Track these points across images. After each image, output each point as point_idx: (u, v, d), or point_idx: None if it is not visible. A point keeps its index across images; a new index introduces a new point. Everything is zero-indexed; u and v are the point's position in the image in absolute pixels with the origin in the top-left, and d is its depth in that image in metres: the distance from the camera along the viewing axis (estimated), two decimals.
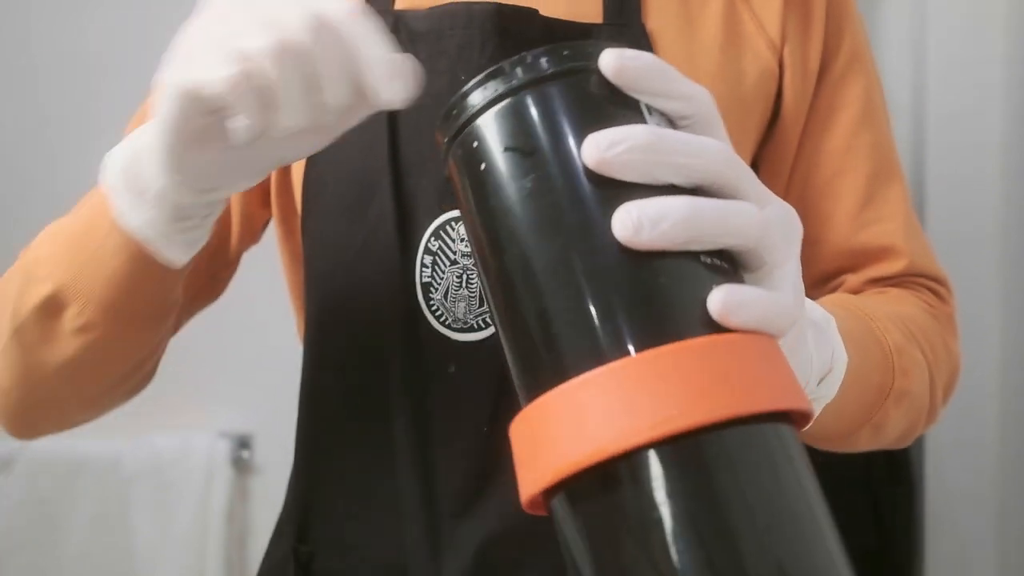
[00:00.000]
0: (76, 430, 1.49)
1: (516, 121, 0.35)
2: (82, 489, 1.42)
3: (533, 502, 0.34)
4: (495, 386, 0.60)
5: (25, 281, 0.58)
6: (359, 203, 0.63)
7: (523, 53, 0.36)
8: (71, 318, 0.56)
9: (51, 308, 0.56)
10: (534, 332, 0.33)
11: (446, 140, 0.38)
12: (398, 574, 0.62)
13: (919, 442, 1.25)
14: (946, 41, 1.23)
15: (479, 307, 0.60)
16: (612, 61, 0.35)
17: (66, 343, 0.57)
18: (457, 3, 0.62)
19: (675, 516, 0.29)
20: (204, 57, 0.43)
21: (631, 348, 0.31)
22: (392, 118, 0.62)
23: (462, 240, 0.60)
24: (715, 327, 0.32)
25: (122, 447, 1.43)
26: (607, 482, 0.30)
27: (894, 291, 0.67)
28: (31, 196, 1.22)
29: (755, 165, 0.68)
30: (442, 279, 0.60)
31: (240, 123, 0.44)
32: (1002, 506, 1.23)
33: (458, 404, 0.61)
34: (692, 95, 0.37)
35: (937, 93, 1.23)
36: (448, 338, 0.60)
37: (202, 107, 0.44)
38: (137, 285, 0.55)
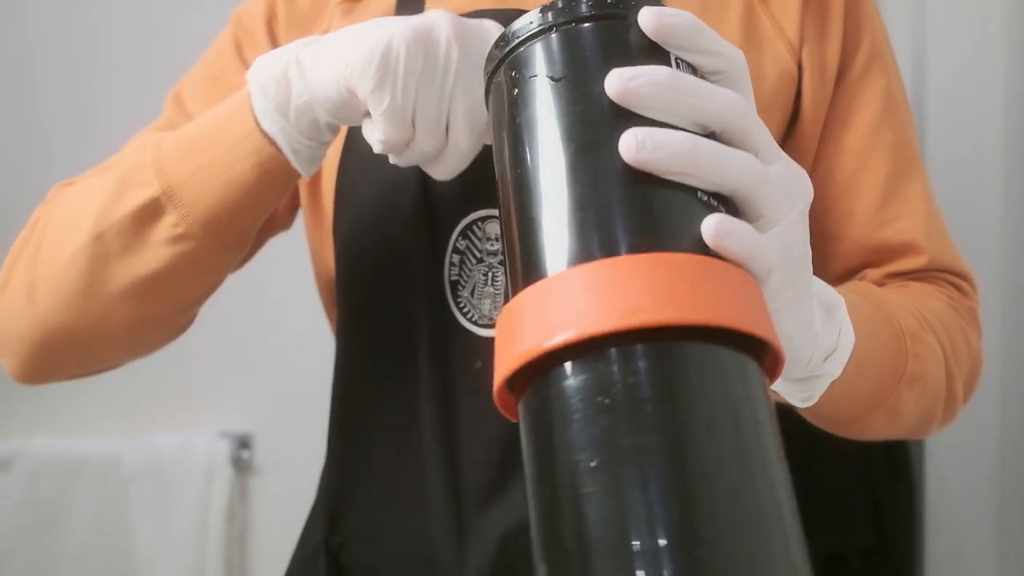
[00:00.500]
0: (76, 430, 1.49)
1: (549, 52, 0.38)
2: (82, 489, 1.42)
3: (501, 396, 0.34)
4: None
5: (121, 186, 0.58)
6: (388, 203, 0.65)
7: None
8: (168, 226, 0.57)
9: (149, 213, 0.57)
10: (531, 234, 0.35)
11: (487, 75, 0.41)
12: (425, 564, 0.63)
13: (919, 439, 1.25)
14: (946, 42, 1.23)
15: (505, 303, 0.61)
16: (651, 20, 0.37)
17: (152, 254, 0.58)
18: (484, 11, 0.64)
19: (622, 407, 0.29)
20: (397, 96, 0.50)
21: (616, 251, 0.32)
22: None
23: (488, 239, 0.62)
24: (701, 251, 0.33)
25: (122, 447, 1.43)
26: (569, 371, 0.31)
27: (915, 285, 0.67)
28: (30, 196, 1.22)
29: None
30: (469, 277, 0.62)
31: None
32: (1002, 504, 1.23)
33: (483, 398, 0.62)
34: (724, 52, 0.38)
35: (937, 93, 1.23)
36: (475, 334, 0.62)
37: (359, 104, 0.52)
38: (252, 196, 0.57)
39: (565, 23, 0.38)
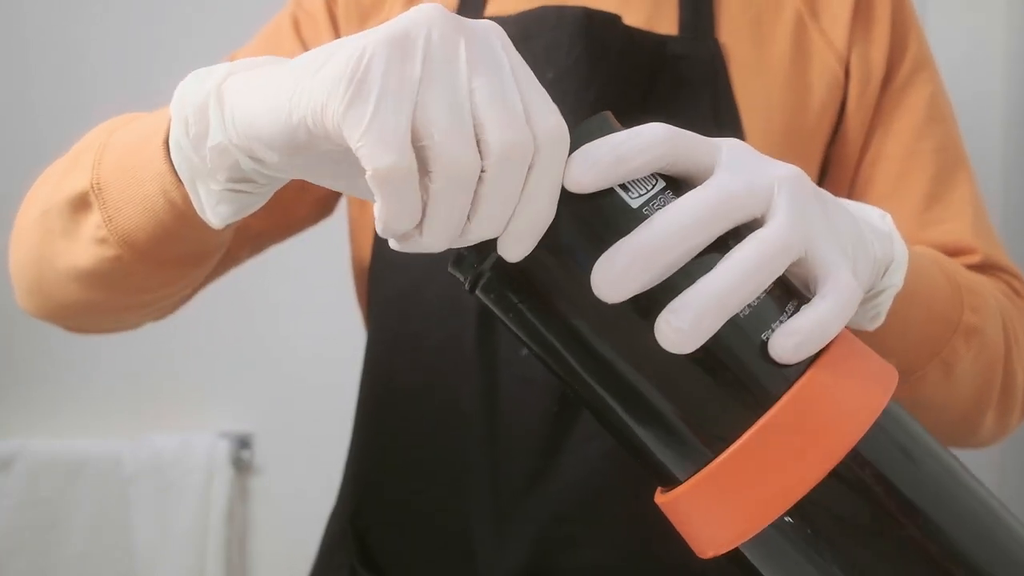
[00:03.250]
0: (76, 430, 1.49)
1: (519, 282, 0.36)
2: (82, 489, 1.42)
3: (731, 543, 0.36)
4: None
5: (70, 165, 0.54)
6: None
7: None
8: (93, 225, 0.51)
9: (79, 204, 0.52)
10: (657, 431, 0.35)
11: (468, 282, 0.38)
12: (462, 548, 0.65)
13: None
14: (946, 42, 1.23)
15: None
16: (575, 178, 0.34)
17: (83, 249, 0.53)
18: (546, 7, 0.65)
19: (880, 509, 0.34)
20: (383, 110, 0.33)
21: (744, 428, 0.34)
22: None
23: None
24: (795, 373, 0.34)
25: (122, 447, 1.43)
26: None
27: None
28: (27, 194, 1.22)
29: (823, 169, 0.70)
30: None
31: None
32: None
33: (528, 385, 0.64)
34: (651, 142, 0.36)
35: None
36: None
37: (336, 147, 0.36)
38: (166, 226, 0.49)
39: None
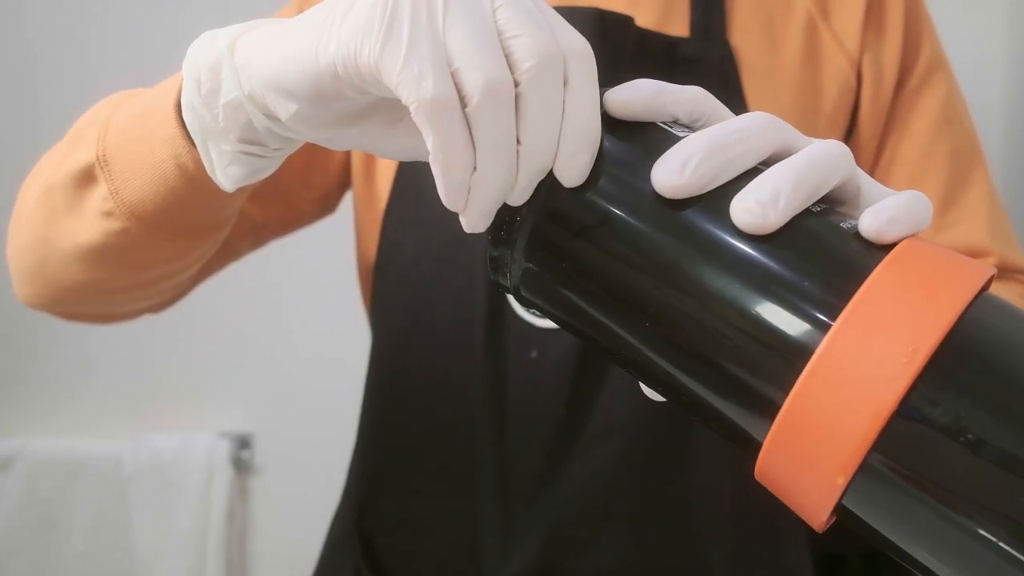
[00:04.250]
0: (76, 430, 1.49)
1: (572, 207, 0.34)
2: (82, 489, 1.42)
3: (834, 491, 0.29)
4: (574, 371, 0.63)
5: (74, 140, 0.53)
6: None
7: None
8: (99, 198, 0.51)
9: (84, 178, 0.51)
10: (741, 353, 0.31)
11: (505, 271, 0.36)
12: (468, 552, 0.65)
13: None
14: (947, 42, 1.23)
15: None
16: (618, 100, 0.34)
17: (88, 224, 0.52)
18: (559, 7, 0.65)
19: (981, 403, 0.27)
20: (416, 41, 0.33)
21: (841, 304, 0.29)
22: None
23: None
24: (878, 250, 0.31)
25: (122, 447, 1.43)
26: (912, 419, 0.27)
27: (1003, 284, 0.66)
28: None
29: None
30: None
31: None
32: None
33: (537, 388, 0.64)
34: (693, 95, 0.36)
35: None
36: (531, 324, 0.64)
37: (363, 95, 0.36)
38: (177, 193, 0.48)
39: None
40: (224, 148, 0.44)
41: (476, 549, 0.64)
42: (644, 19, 0.67)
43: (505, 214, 0.35)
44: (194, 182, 0.47)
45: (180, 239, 0.53)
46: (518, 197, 0.34)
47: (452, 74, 0.33)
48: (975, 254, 0.66)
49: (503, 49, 0.33)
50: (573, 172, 0.33)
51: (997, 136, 1.23)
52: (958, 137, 0.69)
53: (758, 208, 0.30)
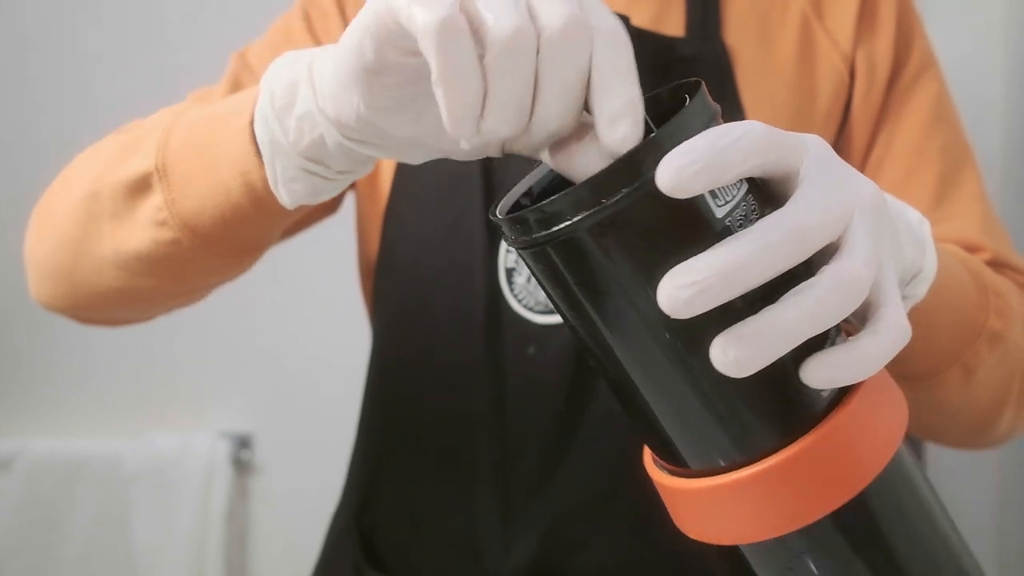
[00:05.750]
0: (76, 430, 1.49)
1: (580, 262, 0.33)
2: (82, 489, 1.42)
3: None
4: (572, 367, 0.64)
5: (129, 148, 0.54)
6: (449, 190, 0.67)
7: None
8: (154, 207, 0.51)
9: (140, 186, 0.52)
10: (686, 429, 0.36)
11: (521, 241, 0.35)
12: (468, 547, 0.65)
13: (918, 441, 1.25)
14: (947, 42, 1.23)
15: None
16: (667, 177, 0.31)
17: (138, 232, 0.52)
18: None
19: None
20: None
21: (778, 441, 0.34)
22: None
23: None
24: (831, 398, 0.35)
25: (122, 447, 1.43)
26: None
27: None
28: (27, 195, 1.21)
29: None
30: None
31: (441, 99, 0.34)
32: (1002, 506, 1.23)
33: (535, 383, 0.65)
34: (754, 146, 0.33)
35: None
36: (529, 320, 0.65)
37: (399, 44, 0.36)
38: (238, 209, 0.49)
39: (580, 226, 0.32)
40: (290, 163, 0.45)
41: (476, 544, 0.65)
42: (639, 18, 0.68)
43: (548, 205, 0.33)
44: (256, 199, 0.48)
45: (226, 256, 0.54)
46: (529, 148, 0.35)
47: (473, 32, 0.33)
48: (969, 249, 0.66)
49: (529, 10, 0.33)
50: (616, 133, 0.33)
51: (997, 136, 1.23)
52: (949, 135, 0.69)
53: (732, 365, 0.32)
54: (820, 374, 0.33)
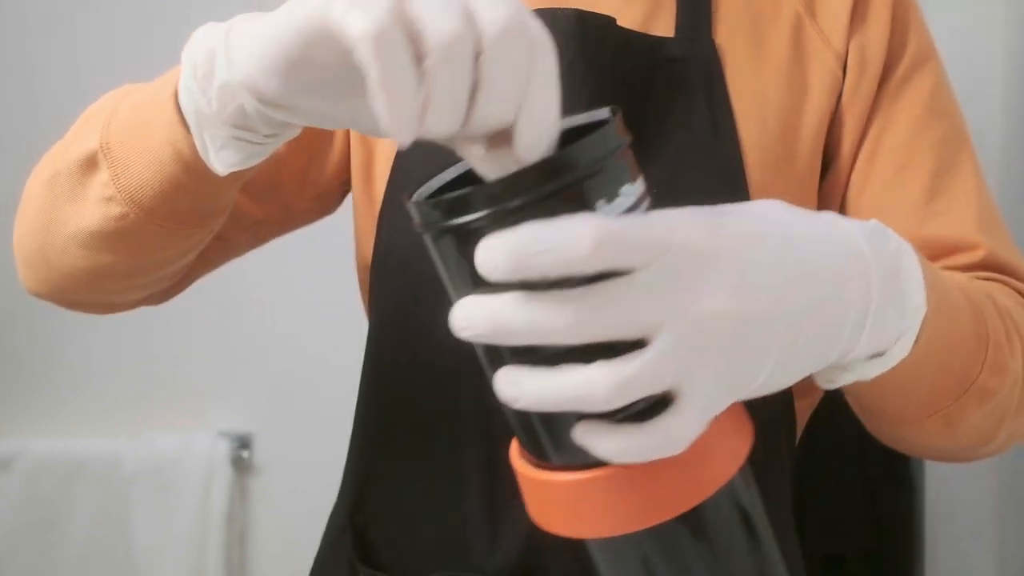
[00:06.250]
0: (76, 430, 1.49)
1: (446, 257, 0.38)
2: (82, 489, 1.42)
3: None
4: None
5: (81, 130, 0.56)
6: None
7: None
8: (101, 184, 0.53)
9: (88, 165, 0.54)
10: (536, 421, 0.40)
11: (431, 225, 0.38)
12: (457, 545, 0.65)
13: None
14: (946, 42, 1.23)
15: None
16: (479, 259, 0.34)
17: (90, 209, 0.54)
18: (541, 9, 0.65)
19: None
20: None
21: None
22: None
23: None
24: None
25: (122, 447, 1.43)
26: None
27: (984, 283, 0.63)
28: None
29: (825, 166, 0.69)
30: None
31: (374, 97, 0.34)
32: (1002, 506, 1.23)
33: None
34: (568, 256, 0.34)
35: None
36: None
37: (330, 55, 0.37)
38: (173, 178, 0.51)
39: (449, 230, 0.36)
40: (217, 132, 0.46)
41: (465, 542, 0.65)
42: (630, 19, 0.67)
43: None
44: (189, 168, 0.50)
45: (176, 226, 0.55)
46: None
47: (413, 35, 0.33)
48: (962, 246, 0.65)
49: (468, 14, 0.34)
50: (530, 141, 0.35)
51: (997, 136, 1.23)
52: (945, 130, 0.68)
53: (509, 399, 0.36)
54: (583, 439, 0.36)
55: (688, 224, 0.36)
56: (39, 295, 0.65)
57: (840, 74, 0.68)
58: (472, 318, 0.35)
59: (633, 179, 0.37)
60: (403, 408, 0.69)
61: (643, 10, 0.68)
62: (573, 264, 0.33)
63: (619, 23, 0.66)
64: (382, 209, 0.69)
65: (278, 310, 1.47)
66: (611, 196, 0.35)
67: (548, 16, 0.65)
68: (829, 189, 0.69)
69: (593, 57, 0.64)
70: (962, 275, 0.60)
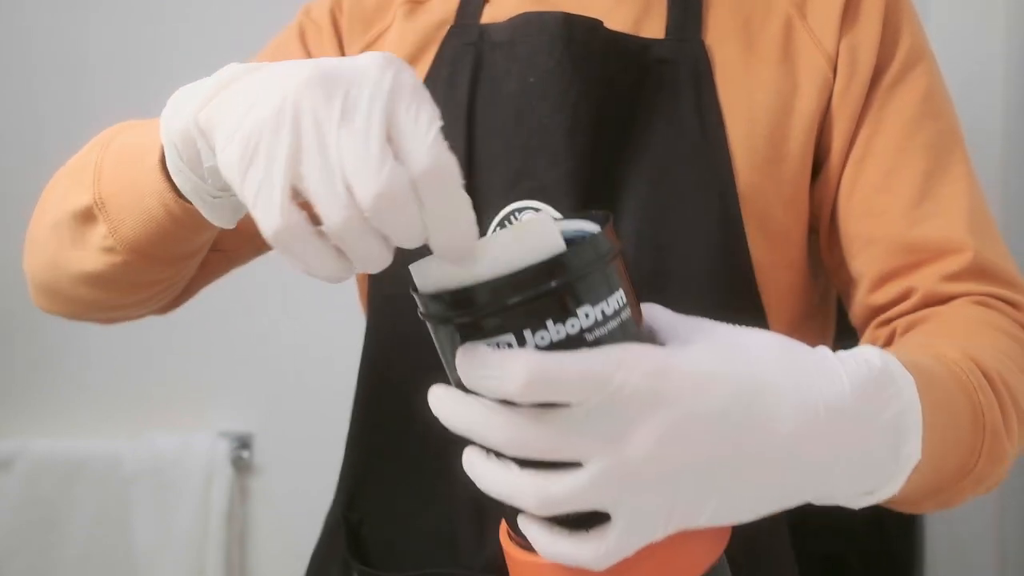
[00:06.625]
0: (76, 430, 1.49)
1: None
2: (82, 489, 1.42)
3: None
4: None
5: (74, 183, 0.60)
6: None
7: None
8: (100, 236, 0.58)
9: (84, 218, 0.59)
10: None
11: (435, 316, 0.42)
12: (446, 542, 0.67)
13: None
14: (946, 42, 1.23)
15: None
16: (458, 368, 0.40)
17: (92, 256, 0.60)
18: (529, 13, 0.67)
19: None
20: (265, 178, 0.38)
21: None
22: (469, 119, 0.67)
23: None
24: None
25: (122, 447, 1.43)
26: None
27: (974, 313, 0.62)
28: (27, 196, 1.21)
29: (816, 168, 0.69)
30: None
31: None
32: (1002, 505, 1.23)
33: None
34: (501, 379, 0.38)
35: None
36: None
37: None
38: (168, 232, 0.56)
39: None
40: (215, 201, 0.51)
41: (453, 539, 0.66)
42: (620, 21, 0.68)
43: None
44: (178, 221, 0.55)
45: (171, 264, 0.61)
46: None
47: (304, 205, 0.38)
48: (949, 248, 0.64)
49: (345, 185, 0.38)
50: (447, 257, 0.40)
51: (997, 136, 1.23)
52: (937, 133, 0.68)
53: (474, 480, 0.41)
54: (523, 527, 0.41)
55: (632, 364, 0.37)
56: (51, 314, 0.69)
57: (831, 75, 0.67)
58: (435, 405, 0.41)
59: (607, 294, 0.39)
60: (395, 407, 0.70)
61: (634, 12, 0.69)
62: (510, 395, 0.37)
63: (610, 25, 0.67)
64: None
65: (278, 310, 1.47)
66: (565, 317, 0.38)
67: (537, 19, 0.66)
68: (821, 190, 0.69)
69: (580, 59, 0.65)
70: (958, 351, 0.56)
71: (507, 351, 0.37)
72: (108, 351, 1.46)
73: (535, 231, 0.39)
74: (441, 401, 0.40)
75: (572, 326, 0.38)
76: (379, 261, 0.40)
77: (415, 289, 0.41)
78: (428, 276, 0.40)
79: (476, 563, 0.65)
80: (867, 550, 1.19)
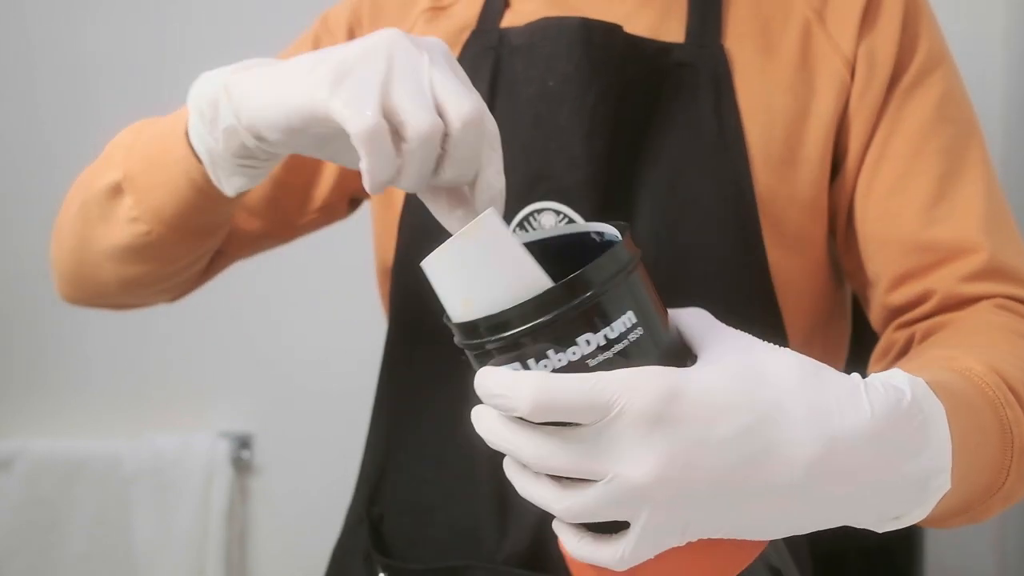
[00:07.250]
0: (76, 430, 1.49)
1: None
2: (82, 489, 1.42)
3: None
4: None
5: (104, 163, 0.67)
6: None
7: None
8: (127, 207, 0.65)
9: (114, 192, 0.65)
10: None
11: (474, 345, 0.45)
12: (467, 537, 0.67)
13: None
14: (946, 42, 1.23)
15: None
16: (478, 387, 0.43)
17: (119, 229, 0.66)
18: (548, 18, 0.68)
19: None
20: (360, 90, 0.47)
21: None
22: None
23: (543, 229, 0.66)
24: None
25: (122, 447, 1.43)
26: None
27: (995, 319, 0.62)
28: (27, 196, 1.21)
29: (835, 170, 0.69)
30: None
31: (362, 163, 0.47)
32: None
33: None
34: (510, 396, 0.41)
35: None
36: None
37: (326, 128, 0.48)
38: (189, 201, 0.62)
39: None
40: (227, 165, 0.57)
41: (474, 534, 0.67)
42: (640, 26, 0.68)
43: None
44: (202, 191, 0.61)
45: (191, 238, 0.67)
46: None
47: (395, 125, 0.46)
48: (964, 249, 0.64)
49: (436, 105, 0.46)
50: (486, 202, 0.49)
51: (997, 136, 1.23)
52: (954, 136, 0.68)
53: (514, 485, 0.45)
54: (556, 529, 0.44)
55: (641, 388, 0.38)
56: (74, 303, 0.76)
57: (848, 78, 0.68)
58: (475, 422, 0.44)
59: (621, 312, 0.40)
60: (417, 404, 0.71)
61: (653, 16, 0.69)
62: (522, 415, 0.40)
63: (630, 29, 0.67)
64: (403, 213, 0.71)
65: (278, 311, 1.47)
66: (567, 344, 0.40)
67: (556, 24, 0.67)
68: (838, 192, 0.69)
69: (599, 63, 0.65)
70: (983, 364, 0.54)
71: (517, 374, 0.40)
72: (108, 351, 1.46)
73: (526, 271, 0.42)
74: (480, 419, 0.44)
75: (578, 351, 0.39)
76: (422, 180, 0.48)
77: (448, 319, 0.45)
78: (455, 308, 0.44)
79: (498, 556, 0.66)
80: (867, 549, 1.20)
